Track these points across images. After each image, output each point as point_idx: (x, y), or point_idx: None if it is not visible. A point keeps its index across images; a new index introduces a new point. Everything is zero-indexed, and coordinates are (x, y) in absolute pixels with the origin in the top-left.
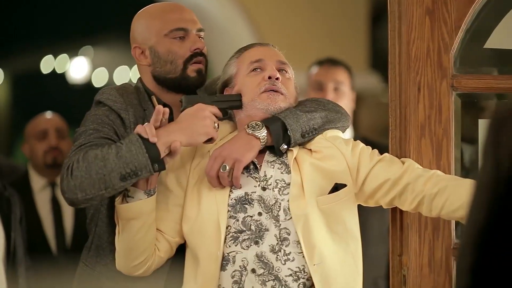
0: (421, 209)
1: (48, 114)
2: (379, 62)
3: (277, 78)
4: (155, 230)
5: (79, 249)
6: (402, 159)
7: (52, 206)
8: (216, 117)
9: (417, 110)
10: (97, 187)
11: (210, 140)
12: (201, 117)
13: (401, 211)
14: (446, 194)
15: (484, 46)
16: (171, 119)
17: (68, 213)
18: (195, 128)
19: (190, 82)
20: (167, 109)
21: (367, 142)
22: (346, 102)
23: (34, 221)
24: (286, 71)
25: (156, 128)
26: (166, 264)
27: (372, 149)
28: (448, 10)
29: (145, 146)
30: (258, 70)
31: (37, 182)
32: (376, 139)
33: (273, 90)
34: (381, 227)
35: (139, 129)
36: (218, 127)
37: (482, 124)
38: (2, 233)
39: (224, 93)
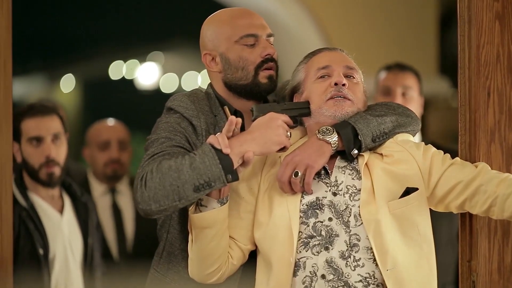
0: (492, 211)
1: (111, 122)
2: (448, 67)
3: (343, 84)
4: (228, 237)
5: (140, 255)
6: (475, 163)
7: (112, 212)
8: (288, 125)
9: (487, 115)
10: (171, 198)
11: (283, 149)
12: (274, 126)
13: (471, 216)
14: None
15: None
16: (242, 125)
17: (129, 218)
18: (268, 138)
19: (262, 89)
20: (239, 119)
21: (436, 147)
22: (415, 107)
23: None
24: (353, 76)
25: (228, 138)
26: (238, 271)
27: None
28: None
29: (218, 157)
30: (326, 76)
31: (97, 188)
32: (445, 144)
33: (339, 97)
34: (450, 232)
35: (211, 139)
36: (290, 136)
37: None
38: (79, 238)
39: (294, 99)
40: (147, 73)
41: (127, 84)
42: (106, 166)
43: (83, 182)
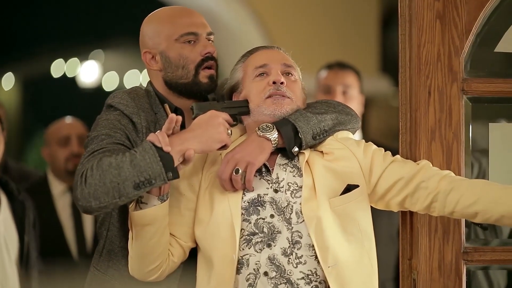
0: (433, 207)
1: (69, 119)
2: (389, 65)
3: (281, 83)
4: (168, 235)
5: None
6: (417, 161)
7: (72, 211)
8: (228, 123)
9: (428, 114)
10: (111, 196)
11: (224, 147)
12: (215, 124)
13: (411, 214)
14: (462, 190)
15: (495, 50)
16: (182, 123)
17: (88, 218)
18: (209, 135)
19: (202, 88)
20: (180, 117)
21: (377, 145)
22: (355, 106)
23: (55, 226)
24: (291, 74)
25: (168, 136)
26: (178, 268)
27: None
28: (458, 14)
29: (159, 154)
30: (263, 75)
31: (57, 187)
32: (386, 143)
33: (278, 95)
34: (390, 229)
35: (152, 137)
36: (231, 134)
37: (493, 128)
38: (15, 236)
39: (233, 98)
40: (88, 71)
41: (69, 82)
42: (67, 162)
43: (40, 183)
